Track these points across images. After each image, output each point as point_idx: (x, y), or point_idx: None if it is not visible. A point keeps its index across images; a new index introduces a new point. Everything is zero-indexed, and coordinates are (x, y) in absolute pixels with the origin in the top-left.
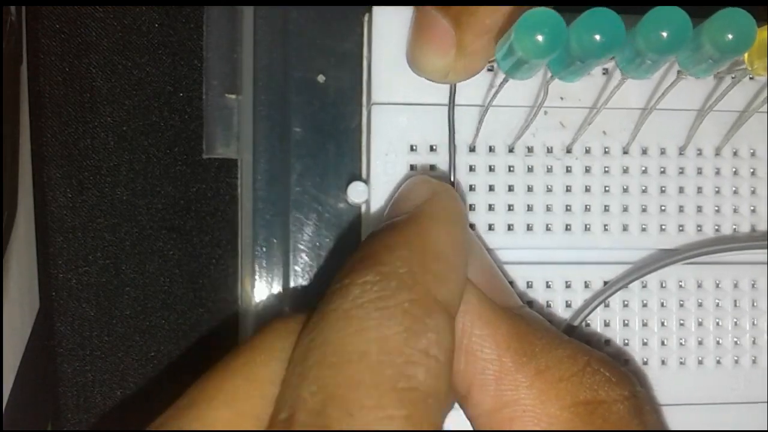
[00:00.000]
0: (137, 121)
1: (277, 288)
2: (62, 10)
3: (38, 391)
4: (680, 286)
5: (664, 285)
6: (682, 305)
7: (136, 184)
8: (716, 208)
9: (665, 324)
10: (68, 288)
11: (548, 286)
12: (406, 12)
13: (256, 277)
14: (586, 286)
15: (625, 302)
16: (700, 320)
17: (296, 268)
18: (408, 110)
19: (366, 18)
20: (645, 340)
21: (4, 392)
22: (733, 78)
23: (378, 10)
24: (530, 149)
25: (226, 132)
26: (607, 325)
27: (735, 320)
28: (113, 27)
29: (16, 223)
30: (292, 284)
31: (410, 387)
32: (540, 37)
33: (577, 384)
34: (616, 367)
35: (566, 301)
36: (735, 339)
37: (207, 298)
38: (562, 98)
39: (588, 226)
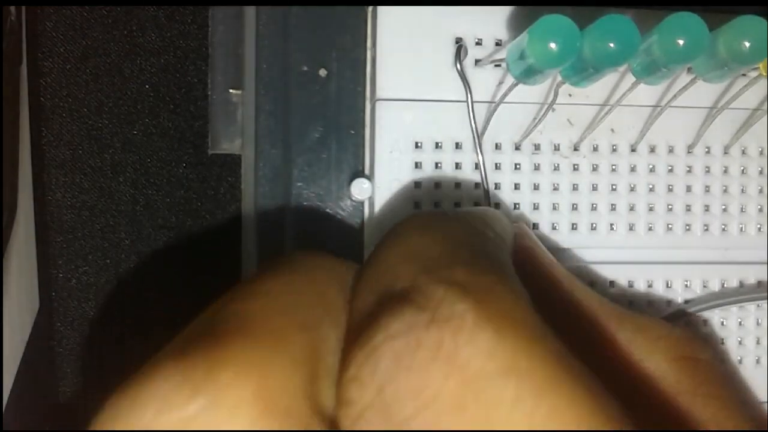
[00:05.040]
0: (140, 122)
1: None
2: (64, 10)
3: (38, 390)
4: (686, 286)
5: (669, 285)
6: (686, 302)
7: (137, 184)
8: (723, 207)
9: None
10: (68, 288)
11: None
12: (411, 10)
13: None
14: (592, 286)
15: (631, 302)
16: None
17: None
18: (413, 107)
19: (369, 12)
20: None
21: (4, 392)
22: (744, 76)
23: (383, 9)
24: (537, 147)
25: (230, 128)
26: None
27: (739, 320)
28: (117, 28)
29: (16, 223)
30: None
31: None
32: (553, 45)
33: (674, 342)
34: (696, 333)
35: None
36: (738, 339)
37: (206, 298)
38: (570, 95)
39: (594, 225)
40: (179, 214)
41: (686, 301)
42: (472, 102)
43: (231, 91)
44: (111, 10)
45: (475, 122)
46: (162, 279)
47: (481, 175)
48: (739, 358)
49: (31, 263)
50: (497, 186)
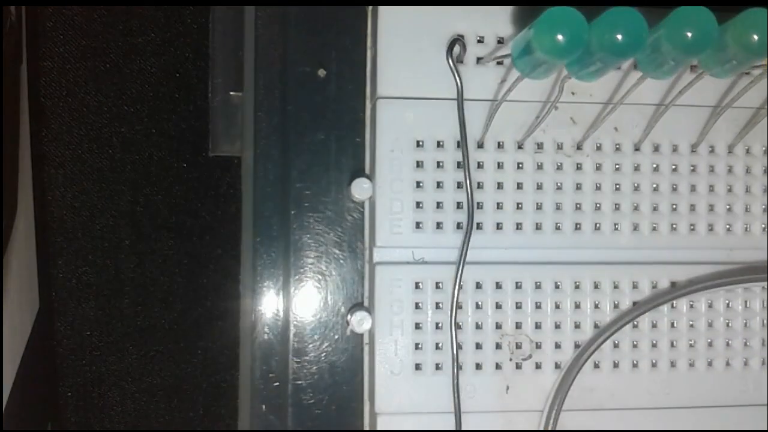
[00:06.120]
0: (140, 122)
1: (277, 285)
2: (64, 10)
3: (38, 391)
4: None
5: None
6: (692, 306)
7: (137, 184)
8: (728, 207)
9: (675, 326)
10: (68, 288)
11: (557, 287)
12: (412, 9)
13: (257, 274)
14: (596, 287)
15: (634, 303)
16: (710, 321)
17: (297, 264)
18: (414, 105)
19: (369, 12)
20: (654, 342)
21: (4, 392)
22: (747, 74)
23: (384, 9)
24: (540, 146)
25: (230, 129)
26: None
27: (745, 321)
28: (117, 28)
29: (16, 223)
30: (292, 281)
31: None
32: (561, 37)
33: None
34: None
35: (575, 302)
36: (744, 340)
37: (206, 298)
38: (573, 93)
39: (598, 225)
40: (179, 214)
41: (690, 281)
42: (462, 98)
43: (231, 93)
44: (111, 10)
45: (463, 117)
46: (161, 279)
47: (465, 173)
48: (744, 340)
49: (31, 263)
50: (500, 185)
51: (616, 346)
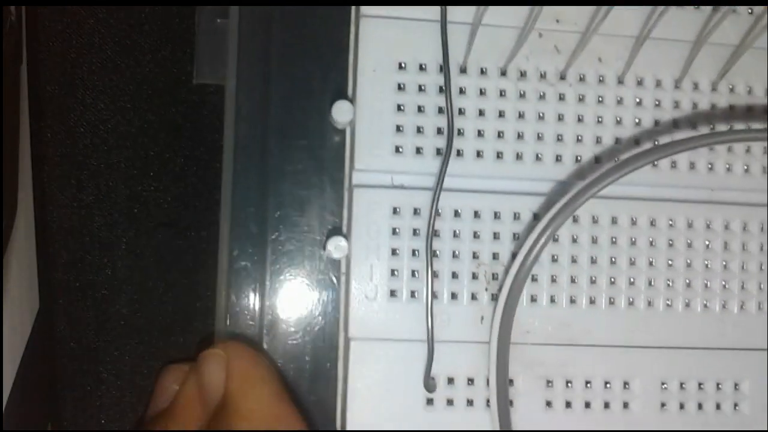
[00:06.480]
0: (137, 119)
1: (255, 211)
2: (62, 10)
3: (38, 391)
4: (670, 225)
5: (654, 223)
6: (671, 245)
7: (134, 182)
8: (711, 147)
9: (653, 264)
10: (68, 288)
11: (536, 218)
12: None
13: (236, 202)
14: (575, 220)
15: (614, 239)
16: (689, 261)
17: (276, 191)
18: (398, 25)
19: None
20: (632, 279)
21: (4, 392)
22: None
23: None
24: (523, 73)
25: (216, 57)
26: (594, 262)
27: (724, 263)
28: (114, 27)
29: (16, 223)
30: (270, 210)
31: None
32: None
33: None
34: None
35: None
36: (723, 282)
37: (204, 294)
38: (557, 21)
39: (579, 158)
40: (177, 210)
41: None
42: (446, 18)
43: (218, 20)
44: (110, 9)
45: (445, 37)
46: (159, 275)
47: (446, 95)
48: (723, 282)
49: (31, 263)
50: (481, 112)
51: (593, 281)
